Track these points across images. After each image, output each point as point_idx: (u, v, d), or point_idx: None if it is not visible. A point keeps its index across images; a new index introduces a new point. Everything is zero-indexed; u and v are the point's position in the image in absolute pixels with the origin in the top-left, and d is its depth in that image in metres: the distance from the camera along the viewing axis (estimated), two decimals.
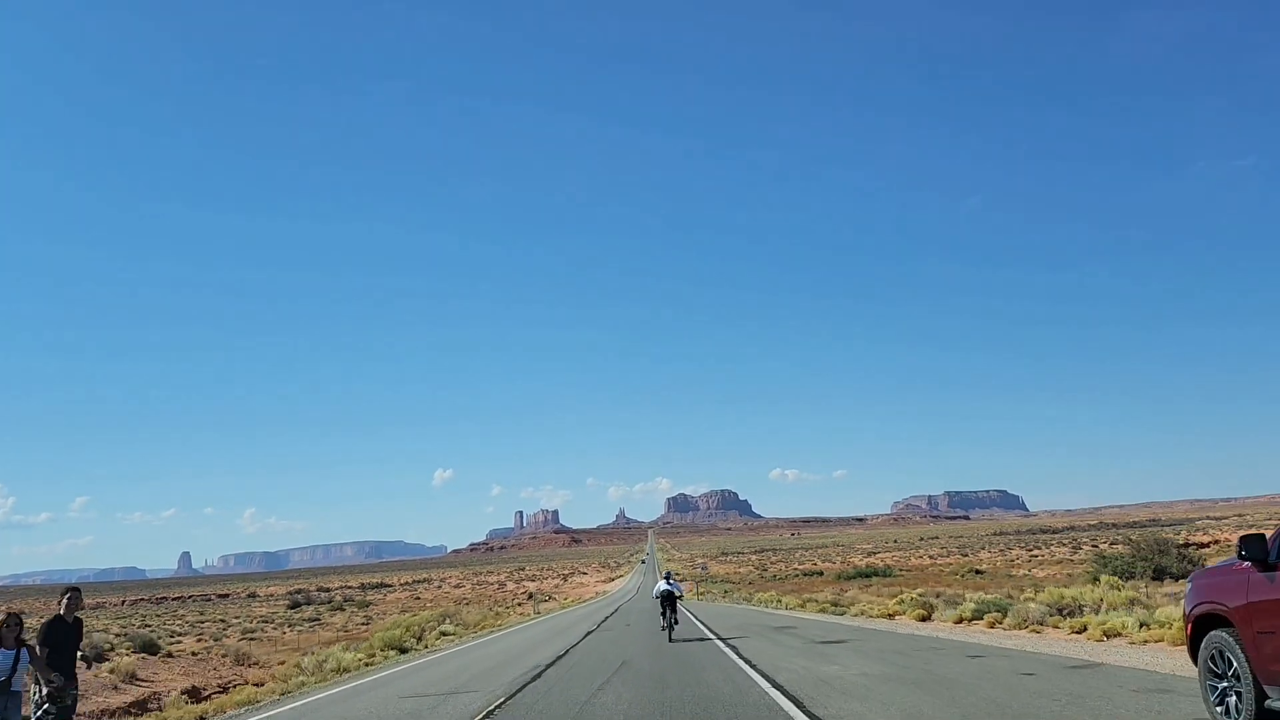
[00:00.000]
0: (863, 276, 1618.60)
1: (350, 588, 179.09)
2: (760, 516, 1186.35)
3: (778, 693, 13.25)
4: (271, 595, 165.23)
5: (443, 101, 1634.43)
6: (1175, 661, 13.62)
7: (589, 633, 31.18)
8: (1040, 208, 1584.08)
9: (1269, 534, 8.16)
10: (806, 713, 11.34)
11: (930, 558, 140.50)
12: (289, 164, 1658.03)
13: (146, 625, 73.26)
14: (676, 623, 26.39)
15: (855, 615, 35.53)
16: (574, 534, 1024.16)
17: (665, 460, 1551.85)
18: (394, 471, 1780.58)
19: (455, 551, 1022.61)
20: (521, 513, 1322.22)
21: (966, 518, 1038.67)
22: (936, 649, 18.86)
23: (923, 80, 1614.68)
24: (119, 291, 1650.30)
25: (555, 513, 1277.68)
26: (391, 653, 30.11)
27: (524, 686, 15.95)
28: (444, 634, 38.65)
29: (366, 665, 25.98)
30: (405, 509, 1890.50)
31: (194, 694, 31.72)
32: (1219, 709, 8.60)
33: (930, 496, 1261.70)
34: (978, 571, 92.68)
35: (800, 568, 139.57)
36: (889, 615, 33.13)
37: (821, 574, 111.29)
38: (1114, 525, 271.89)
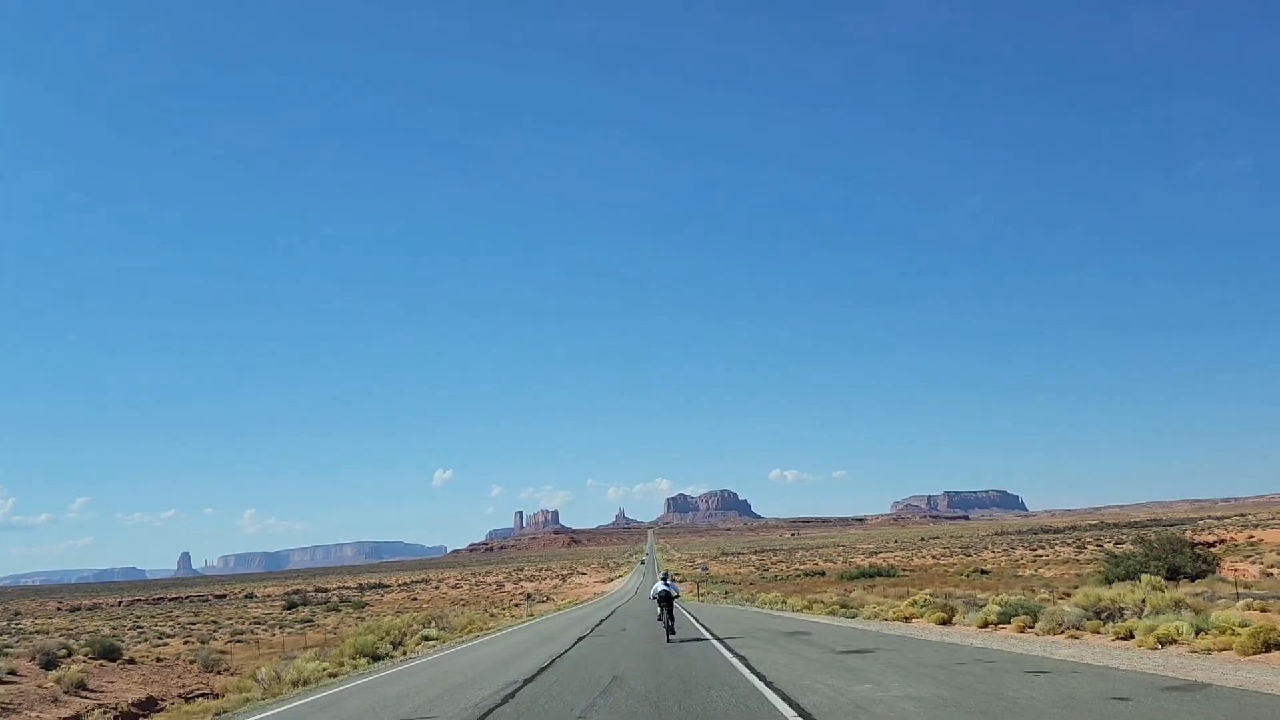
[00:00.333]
0: (863, 277, 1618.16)
1: (348, 588, 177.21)
2: (760, 517, 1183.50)
3: None
4: (269, 596, 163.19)
5: (443, 101, 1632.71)
6: None
7: (580, 638, 28.33)
8: (1040, 208, 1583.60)
9: None
10: None
11: (933, 558, 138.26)
12: (290, 163, 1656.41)
13: (138, 626, 71.42)
14: (675, 632, 25.41)
15: (868, 618, 33.11)
16: (574, 534, 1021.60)
17: (665, 461, 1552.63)
18: (394, 472, 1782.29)
19: (455, 552, 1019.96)
20: (521, 513, 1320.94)
21: (966, 518, 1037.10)
22: (984, 661, 15.59)
23: (922, 81, 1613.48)
24: (119, 292, 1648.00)
25: (555, 513, 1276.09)
26: (363, 660, 27.32)
27: (490, 711, 13.11)
28: (427, 639, 35.92)
29: (331, 676, 23.14)
30: (405, 509, 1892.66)
31: (147, 706, 28.99)
32: None
33: (930, 497, 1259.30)
34: (983, 572, 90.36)
35: (801, 568, 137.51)
36: (905, 618, 30.75)
37: (824, 574, 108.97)
38: (1115, 525, 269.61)
